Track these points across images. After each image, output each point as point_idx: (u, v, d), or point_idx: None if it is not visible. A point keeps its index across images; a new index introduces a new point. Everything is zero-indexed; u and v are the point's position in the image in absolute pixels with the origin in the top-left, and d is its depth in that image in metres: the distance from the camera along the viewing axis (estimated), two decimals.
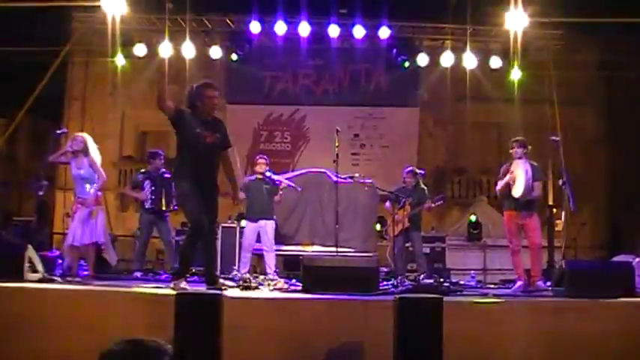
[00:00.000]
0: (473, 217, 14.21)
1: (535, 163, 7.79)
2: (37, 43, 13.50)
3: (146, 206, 9.34)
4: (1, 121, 16.10)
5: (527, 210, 7.61)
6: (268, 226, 8.98)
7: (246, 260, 9.01)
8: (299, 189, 9.72)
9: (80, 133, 7.71)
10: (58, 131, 7.57)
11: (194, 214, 6.09)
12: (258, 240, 9.06)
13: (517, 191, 7.52)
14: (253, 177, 9.10)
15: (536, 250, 7.64)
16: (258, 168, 9.12)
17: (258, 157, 9.34)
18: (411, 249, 9.90)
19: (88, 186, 7.35)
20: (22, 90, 13.91)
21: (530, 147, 7.79)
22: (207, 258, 6.37)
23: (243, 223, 9.44)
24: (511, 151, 7.82)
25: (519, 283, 7.56)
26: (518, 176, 7.53)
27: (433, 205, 9.55)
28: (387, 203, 9.76)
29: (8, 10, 11.59)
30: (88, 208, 7.31)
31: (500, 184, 7.79)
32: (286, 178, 10.30)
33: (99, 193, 7.47)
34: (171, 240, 9.71)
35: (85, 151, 7.44)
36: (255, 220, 9.00)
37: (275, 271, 8.86)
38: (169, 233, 9.68)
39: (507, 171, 7.72)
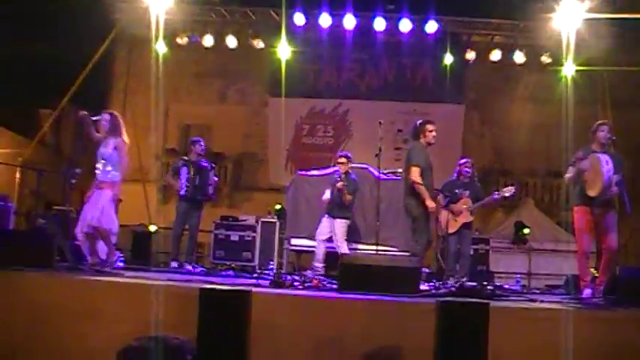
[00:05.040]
0: (527, 230, 13.55)
1: (618, 154, 6.64)
2: (85, 35, 13.54)
3: (181, 194, 9.19)
4: (50, 113, 16.17)
5: (605, 207, 6.48)
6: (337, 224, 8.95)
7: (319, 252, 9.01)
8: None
9: (108, 112, 7.45)
10: (94, 118, 7.31)
11: None
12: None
13: (593, 189, 6.36)
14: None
15: (612, 255, 6.53)
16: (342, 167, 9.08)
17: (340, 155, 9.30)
18: (457, 246, 9.39)
19: (109, 168, 7.02)
20: (70, 82, 13.98)
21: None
22: None
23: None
24: (596, 135, 6.66)
25: (587, 290, 6.54)
26: (597, 171, 6.31)
27: (499, 195, 9.00)
28: (439, 196, 9.24)
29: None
30: (101, 190, 6.98)
31: (570, 173, 6.66)
32: (327, 173, 10.06)
33: (116, 179, 7.06)
34: (197, 231, 9.50)
35: (112, 132, 7.13)
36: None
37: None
38: (198, 223, 9.45)
39: (582, 158, 6.52)
